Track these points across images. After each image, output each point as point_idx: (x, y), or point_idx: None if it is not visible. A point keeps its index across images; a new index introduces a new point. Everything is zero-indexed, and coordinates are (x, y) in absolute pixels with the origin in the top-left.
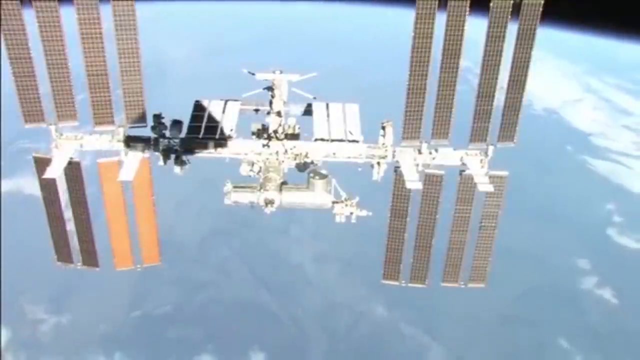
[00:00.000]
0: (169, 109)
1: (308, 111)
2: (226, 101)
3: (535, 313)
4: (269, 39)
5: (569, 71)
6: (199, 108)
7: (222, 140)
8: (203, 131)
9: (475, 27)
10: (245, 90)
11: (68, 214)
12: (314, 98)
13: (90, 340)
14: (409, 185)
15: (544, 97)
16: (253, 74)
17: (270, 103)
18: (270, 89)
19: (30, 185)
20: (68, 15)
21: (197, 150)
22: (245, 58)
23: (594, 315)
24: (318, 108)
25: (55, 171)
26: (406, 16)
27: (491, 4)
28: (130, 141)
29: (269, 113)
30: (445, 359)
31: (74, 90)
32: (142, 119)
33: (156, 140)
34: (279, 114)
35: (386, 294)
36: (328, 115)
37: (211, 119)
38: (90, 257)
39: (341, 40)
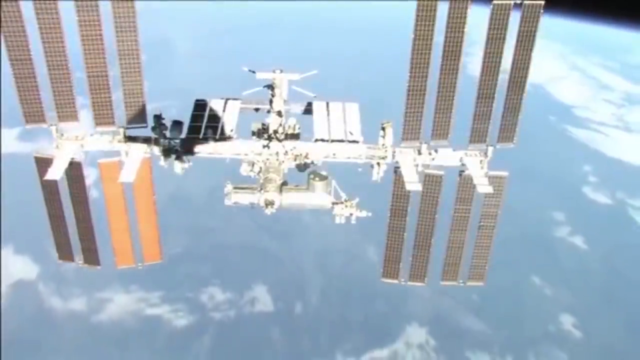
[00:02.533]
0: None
1: (308, 110)
2: (226, 100)
3: (511, 255)
4: (269, 37)
5: (557, 51)
6: (199, 107)
7: (222, 141)
8: (203, 131)
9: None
10: (246, 88)
11: (69, 213)
12: (315, 96)
13: (109, 275)
14: (408, 186)
15: (530, 73)
16: (253, 72)
17: (271, 102)
18: (270, 87)
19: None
20: (68, 15)
21: (197, 151)
22: (245, 57)
23: (564, 258)
24: (318, 107)
25: (57, 172)
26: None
27: (491, 5)
28: (131, 141)
29: (269, 112)
30: (428, 293)
31: (75, 90)
32: (142, 119)
33: (157, 140)
34: (279, 113)
35: (377, 240)
36: (328, 115)
37: (211, 118)
38: (91, 255)
39: (341, 37)
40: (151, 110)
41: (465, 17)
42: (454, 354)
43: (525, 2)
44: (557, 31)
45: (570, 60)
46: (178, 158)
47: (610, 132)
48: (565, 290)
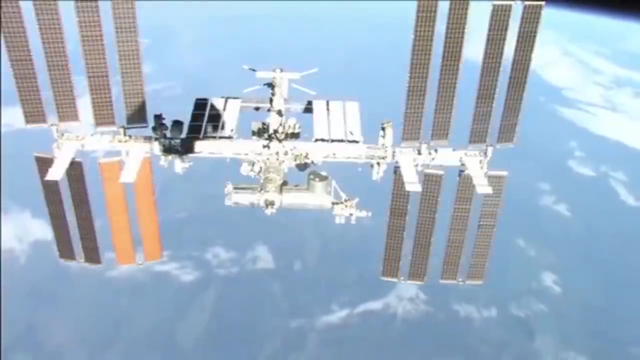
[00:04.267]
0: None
1: (308, 109)
2: (226, 99)
3: (499, 220)
4: (269, 36)
5: (550, 38)
6: (199, 106)
7: (222, 141)
8: (203, 131)
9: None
10: (246, 86)
11: (70, 212)
12: (315, 94)
13: None
14: (408, 187)
15: None
16: (254, 71)
17: (271, 101)
18: (271, 86)
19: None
20: (68, 15)
21: (197, 150)
22: (245, 55)
23: (548, 223)
24: (318, 106)
25: (58, 173)
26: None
27: (491, 6)
28: (131, 141)
29: (269, 110)
30: None
31: (75, 90)
32: (142, 119)
33: (157, 140)
34: (279, 112)
35: (376, 208)
36: (328, 114)
37: (212, 118)
38: (92, 253)
39: (342, 35)
40: (156, 94)
41: (465, 18)
42: (442, 306)
43: (525, 2)
44: (552, 20)
45: (563, 47)
46: (178, 157)
47: (597, 112)
48: (548, 251)
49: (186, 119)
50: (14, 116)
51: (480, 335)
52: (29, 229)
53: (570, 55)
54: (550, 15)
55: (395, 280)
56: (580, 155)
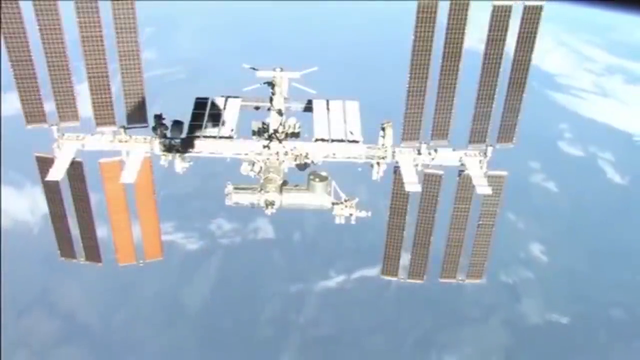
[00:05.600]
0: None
1: (308, 107)
2: (227, 98)
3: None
4: (270, 34)
5: (546, 29)
6: (199, 106)
7: (222, 141)
8: (204, 131)
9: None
10: (246, 85)
11: (71, 211)
12: (315, 93)
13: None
14: (408, 188)
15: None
16: (254, 69)
17: (271, 100)
18: (271, 85)
19: None
20: (68, 15)
21: (198, 150)
22: (245, 54)
23: (538, 199)
24: (318, 105)
25: (59, 173)
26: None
27: (491, 7)
28: (132, 141)
29: (269, 109)
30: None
31: (75, 91)
32: (143, 119)
33: (158, 140)
34: (279, 112)
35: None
36: (328, 114)
37: (212, 117)
38: (93, 253)
39: (341, 37)
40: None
41: (466, 18)
42: (434, 273)
43: (526, 3)
44: (548, 12)
45: (558, 37)
46: (179, 157)
47: (588, 97)
48: (536, 224)
49: (186, 118)
50: None
51: (471, 299)
52: (40, 204)
53: (565, 45)
54: (546, 7)
55: (394, 278)
56: (570, 137)
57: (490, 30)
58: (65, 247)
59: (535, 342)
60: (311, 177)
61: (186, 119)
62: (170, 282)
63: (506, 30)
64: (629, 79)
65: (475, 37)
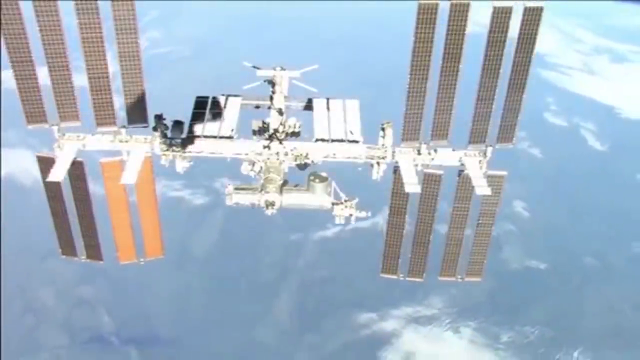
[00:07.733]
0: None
1: (308, 106)
2: (227, 97)
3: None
4: (270, 34)
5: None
6: (200, 105)
7: (223, 141)
8: (204, 131)
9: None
10: (246, 83)
11: (72, 210)
12: (316, 92)
13: None
14: (407, 188)
15: (510, 30)
16: (256, 68)
17: (271, 99)
18: (271, 83)
19: None
20: (69, 15)
21: (198, 150)
22: (245, 53)
23: (522, 163)
24: (318, 104)
25: (60, 174)
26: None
27: (491, 8)
28: (132, 141)
29: (269, 108)
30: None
31: (76, 91)
32: (143, 119)
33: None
34: (280, 111)
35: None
36: (328, 113)
37: (212, 117)
38: (94, 251)
39: (342, 34)
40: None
41: (466, 19)
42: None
43: (526, 4)
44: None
45: (549, 21)
46: (179, 157)
47: (575, 74)
48: (520, 185)
49: (186, 118)
50: None
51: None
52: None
53: (556, 28)
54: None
55: (394, 277)
56: (555, 109)
57: (490, 31)
58: (67, 245)
59: (515, 285)
60: (311, 177)
61: (186, 119)
62: (179, 232)
63: (506, 31)
64: (615, 58)
65: (475, 37)
